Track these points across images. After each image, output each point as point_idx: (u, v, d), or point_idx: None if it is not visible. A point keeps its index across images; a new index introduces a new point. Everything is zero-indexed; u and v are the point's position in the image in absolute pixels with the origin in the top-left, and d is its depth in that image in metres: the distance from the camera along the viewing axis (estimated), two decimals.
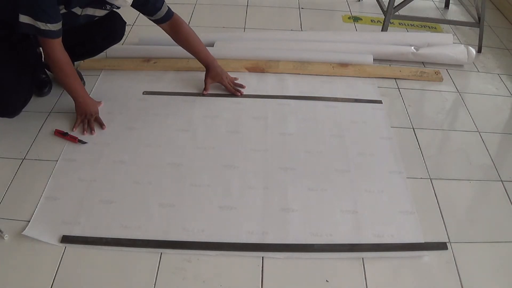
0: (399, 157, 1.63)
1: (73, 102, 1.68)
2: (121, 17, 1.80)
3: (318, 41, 2.23)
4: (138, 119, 1.75)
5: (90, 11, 1.58)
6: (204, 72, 1.89)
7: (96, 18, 1.66)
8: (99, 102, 1.77)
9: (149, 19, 1.73)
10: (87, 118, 1.68)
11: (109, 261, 1.25)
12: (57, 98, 1.84)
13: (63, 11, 1.48)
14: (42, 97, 1.84)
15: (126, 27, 1.85)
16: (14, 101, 1.61)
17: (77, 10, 1.54)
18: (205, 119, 1.76)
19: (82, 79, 1.87)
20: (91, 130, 1.66)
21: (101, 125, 1.69)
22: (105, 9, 1.62)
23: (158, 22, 1.73)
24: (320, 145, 1.67)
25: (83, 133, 1.66)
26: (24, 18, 1.41)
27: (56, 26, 1.44)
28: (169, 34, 1.80)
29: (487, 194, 1.55)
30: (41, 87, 1.84)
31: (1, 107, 1.60)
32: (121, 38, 1.86)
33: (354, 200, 1.46)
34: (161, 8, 1.68)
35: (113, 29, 1.79)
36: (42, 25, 1.41)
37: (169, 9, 1.72)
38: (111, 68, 2.02)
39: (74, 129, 1.66)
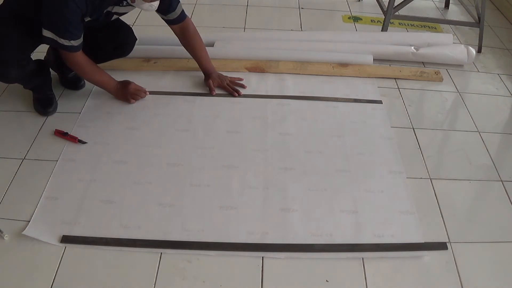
0: (399, 157, 1.63)
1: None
2: (133, 33, 1.79)
3: (318, 41, 2.23)
4: (138, 119, 1.75)
5: (109, 8, 1.55)
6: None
7: (114, 18, 1.64)
8: (129, 82, 1.80)
9: (162, 17, 1.72)
10: (131, 97, 1.78)
11: (109, 261, 1.25)
12: (57, 98, 1.83)
13: (88, 19, 1.48)
14: None
15: None
16: (9, 59, 1.49)
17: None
18: (205, 119, 1.76)
19: (82, 79, 1.87)
20: (142, 94, 1.80)
21: (143, 92, 1.81)
22: (122, 5, 1.56)
23: (170, 22, 1.73)
24: (320, 145, 1.67)
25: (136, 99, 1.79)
26: (47, 33, 1.44)
27: (78, 42, 1.48)
28: (177, 36, 1.80)
29: (487, 194, 1.56)
30: (45, 106, 1.74)
31: None
32: (129, 52, 1.83)
33: (354, 200, 1.46)
34: (175, 9, 1.68)
35: (124, 41, 1.77)
36: (65, 42, 1.45)
37: (183, 11, 1.72)
38: (111, 68, 2.01)
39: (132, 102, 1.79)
